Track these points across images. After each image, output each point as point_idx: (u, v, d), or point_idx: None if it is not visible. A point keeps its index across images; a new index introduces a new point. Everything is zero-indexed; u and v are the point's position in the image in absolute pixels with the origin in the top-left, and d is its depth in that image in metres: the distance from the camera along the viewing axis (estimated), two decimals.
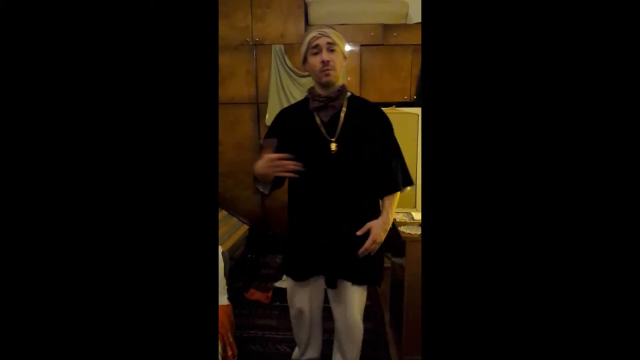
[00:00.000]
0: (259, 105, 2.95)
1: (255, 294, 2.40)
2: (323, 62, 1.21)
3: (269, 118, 2.92)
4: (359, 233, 1.25)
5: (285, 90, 2.87)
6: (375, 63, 2.86)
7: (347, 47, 2.82)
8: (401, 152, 1.35)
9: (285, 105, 2.93)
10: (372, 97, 2.87)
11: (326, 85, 1.25)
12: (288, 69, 2.83)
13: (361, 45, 2.83)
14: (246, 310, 2.26)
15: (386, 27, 2.80)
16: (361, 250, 1.25)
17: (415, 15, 2.93)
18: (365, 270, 1.33)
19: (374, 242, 1.25)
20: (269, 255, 2.97)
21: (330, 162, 1.26)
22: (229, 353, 1.59)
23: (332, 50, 1.23)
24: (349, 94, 1.32)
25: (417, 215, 1.86)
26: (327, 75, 1.23)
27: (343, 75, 1.31)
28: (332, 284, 1.35)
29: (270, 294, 2.37)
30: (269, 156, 1.15)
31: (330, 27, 1.26)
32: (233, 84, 2.92)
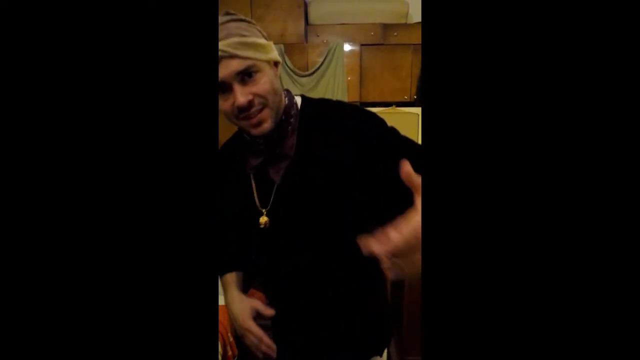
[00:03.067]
0: None
1: (255, 294, 2.40)
2: (240, 108, 0.68)
3: None
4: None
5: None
6: (376, 63, 2.86)
7: (347, 47, 2.83)
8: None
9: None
10: (372, 97, 2.88)
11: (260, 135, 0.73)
12: (288, 69, 2.83)
13: (361, 45, 2.83)
14: None
15: (386, 27, 2.80)
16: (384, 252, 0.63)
17: (415, 14, 2.93)
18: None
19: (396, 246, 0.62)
20: None
21: (259, 242, 0.84)
22: (229, 353, 1.60)
23: (251, 77, 0.68)
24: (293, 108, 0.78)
25: None
26: (256, 125, 0.71)
27: (285, 95, 0.76)
28: None
29: None
30: (252, 328, 0.79)
31: (234, 17, 0.69)
32: None
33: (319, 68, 2.83)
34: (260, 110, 0.69)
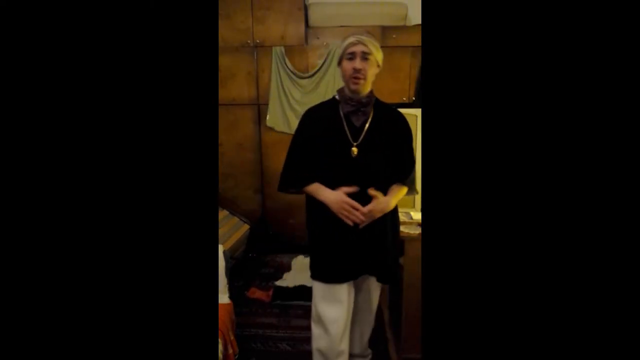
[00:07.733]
0: (259, 106, 2.97)
1: (256, 293, 2.42)
2: (355, 69, 1.26)
3: (269, 119, 2.94)
4: (371, 192, 1.30)
5: (286, 91, 2.89)
6: None
7: None
8: (414, 160, 1.43)
9: (286, 106, 2.97)
10: None
11: (354, 92, 1.31)
12: (288, 71, 2.85)
13: None
14: (247, 309, 2.28)
15: (385, 29, 2.81)
16: (360, 211, 1.28)
17: (414, 17, 2.94)
18: (389, 270, 1.43)
19: (370, 211, 1.29)
20: (270, 255, 2.99)
21: (350, 165, 1.33)
22: (230, 351, 1.61)
23: (366, 59, 1.27)
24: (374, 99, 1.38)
25: (416, 215, 1.88)
26: (356, 83, 1.28)
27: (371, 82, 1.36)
28: (355, 277, 1.41)
29: (271, 293, 2.39)
30: (348, 201, 1.27)
31: (368, 32, 1.33)
32: (234, 85, 2.94)
33: (319, 70, 2.84)
34: (362, 79, 1.28)
